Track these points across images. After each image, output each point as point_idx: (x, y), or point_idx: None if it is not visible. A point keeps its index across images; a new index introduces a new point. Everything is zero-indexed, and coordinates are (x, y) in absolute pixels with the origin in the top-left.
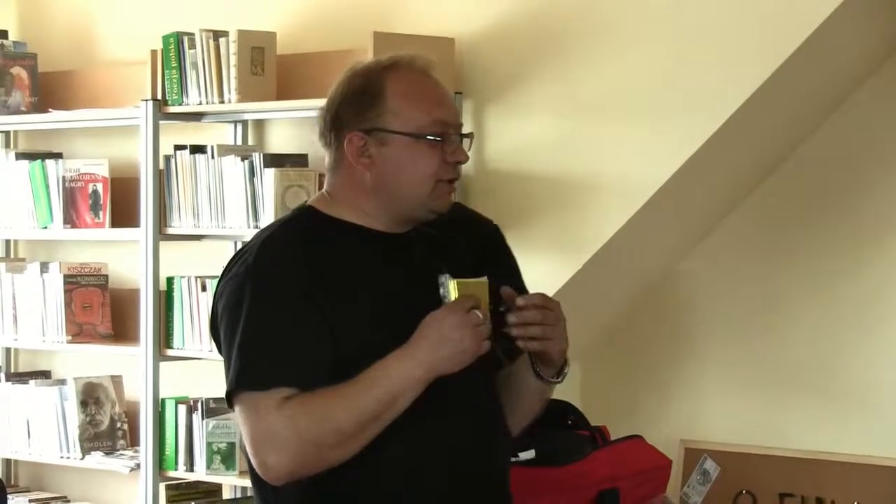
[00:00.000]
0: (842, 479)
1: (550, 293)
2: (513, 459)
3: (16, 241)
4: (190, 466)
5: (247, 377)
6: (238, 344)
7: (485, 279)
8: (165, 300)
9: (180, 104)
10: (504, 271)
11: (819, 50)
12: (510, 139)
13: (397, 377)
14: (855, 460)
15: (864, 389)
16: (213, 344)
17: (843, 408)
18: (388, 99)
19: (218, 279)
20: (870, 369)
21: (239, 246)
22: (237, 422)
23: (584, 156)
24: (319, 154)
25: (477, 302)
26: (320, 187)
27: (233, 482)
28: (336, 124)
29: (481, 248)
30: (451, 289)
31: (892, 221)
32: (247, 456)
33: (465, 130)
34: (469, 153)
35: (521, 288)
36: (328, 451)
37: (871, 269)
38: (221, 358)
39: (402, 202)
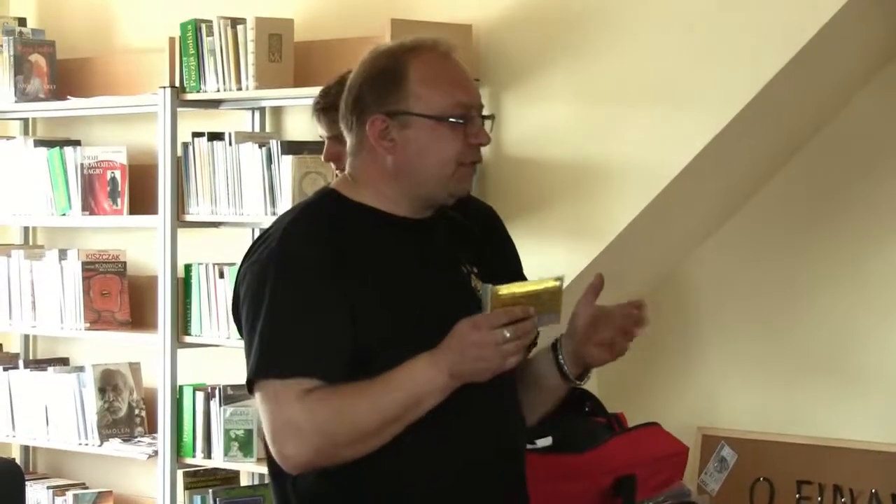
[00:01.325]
0: (860, 465)
1: (567, 281)
2: (529, 446)
3: (34, 228)
4: (208, 453)
5: (268, 364)
6: (260, 330)
7: (557, 284)
8: (183, 287)
9: (198, 91)
10: (509, 256)
11: (834, 39)
12: (528, 126)
13: (421, 382)
14: (873, 447)
15: (882, 375)
16: (235, 328)
17: (861, 394)
18: (410, 82)
19: (240, 263)
20: (887, 355)
21: (257, 233)
22: (257, 408)
23: (601, 143)
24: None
25: (512, 317)
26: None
27: (251, 469)
28: (358, 107)
29: (488, 235)
30: (489, 299)
31: None
32: (265, 443)
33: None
34: (490, 135)
35: (519, 273)
36: (345, 447)
37: (886, 255)
38: (240, 344)
39: (424, 185)
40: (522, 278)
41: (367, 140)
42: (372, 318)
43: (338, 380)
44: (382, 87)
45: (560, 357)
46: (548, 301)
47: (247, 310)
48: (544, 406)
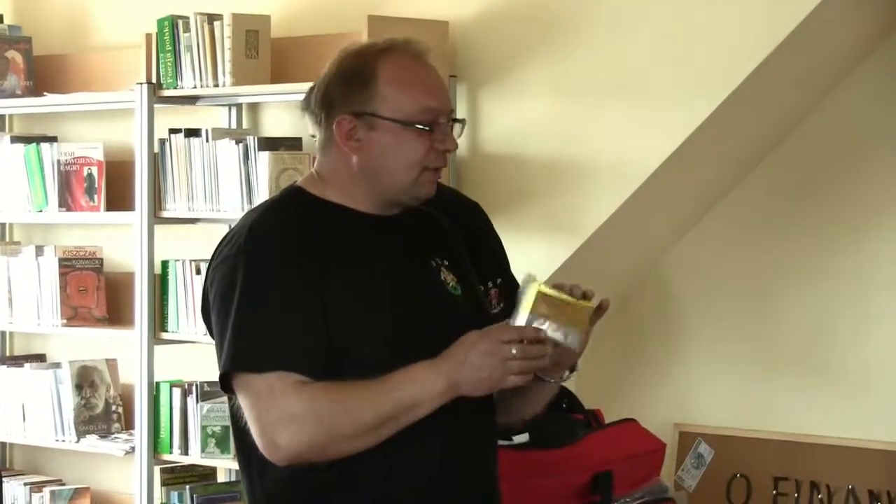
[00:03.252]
0: (836, 462)
1: (544, 277)
2: (507, 443)
3: (11, 225)
4: (185, 450)
5: (246, 358)
6: (232, 325)
7: (591, 305)
8: (160, 284)
9: (175, 87)
10: (493, 251)
11: (815, 31)
12: (504, 122)
13: (420, 385)
14: (849, 443)
15: (858, 372)
16: (206, 328)
17: (837, 391)
18: (379, 83)
19: (208, 264)
20: (863, 352)
21: None
22: (238, 402)
23: (578, 139)
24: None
25: (523, 335)
26: None
27: (227, 465)
28: (326, 105)
29: (473, 231)
30: (529, 296)
31: (884, 203)
32: (234, 440)
33: (459, 115)
34: (460, 139)
35: (505, 266)
36: (341, 441)
37: (863, 251)
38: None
39: (387, 187)
40: (507, 273)
41: (333, 139)
42: (340, 315)
43: (318, 373)
44: (351, 87)
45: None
46: (576, 317)
47: (217, 308)
48: (532, 408)
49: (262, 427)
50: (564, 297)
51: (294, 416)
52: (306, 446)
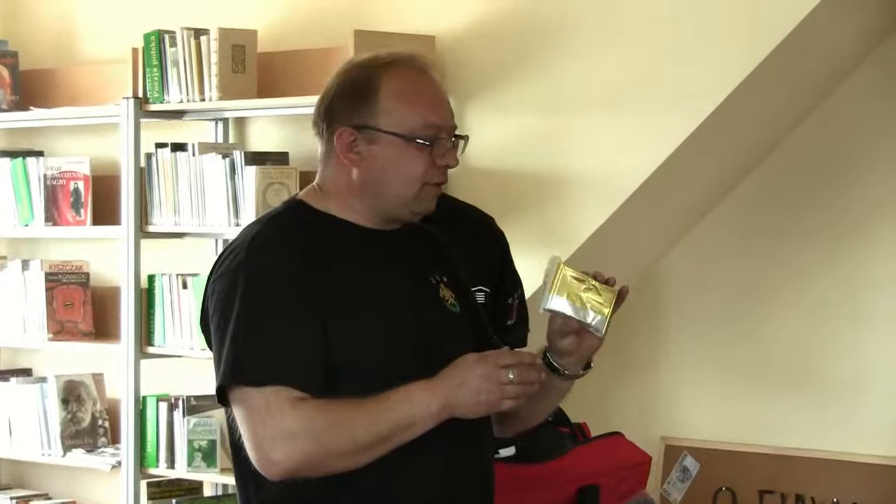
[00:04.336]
0: (822, 475)
1: (531, 290)
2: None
3: None
4: (171, 464)
5: (243, 371)
6: (230, 338)
7: (616, 290)
8: (146, 298)
9: (161, 102)
10: (512, 265)
11: (802, 45)
12: (491, 136)
13: (416, 405)
14: (835, 457)
15: (844, 386)
16: (199, 339)
17: (823, 404)
18: (381, 97)
19: (208, 276)
20: (849, 366)
21: (220, 244)
22: (233, 415)
23: (565, 152)
24: (300, 152)
25: (520, 360)
26: (302, 185)
27: (214, 479)
28: (328, 117)
29: (496, 258)
30: (557, 277)
31: (871, 216)
32: (233, 450)
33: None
34: (461, 156)
35: (520, 281)
36: (337, 458)
37: (850, 265)
38: (203, 355)
39: (386, 202)
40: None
41: (334, 151)
42: (339, 330)
43: (316, 389)
44: (353, 100)
45: (552, 361)
46: (602, 300)
47: (217, 321)
48: (546, 409)
49: (258, 442)
50: (590, 280)
51: (290, 433)
52: (301, 463)
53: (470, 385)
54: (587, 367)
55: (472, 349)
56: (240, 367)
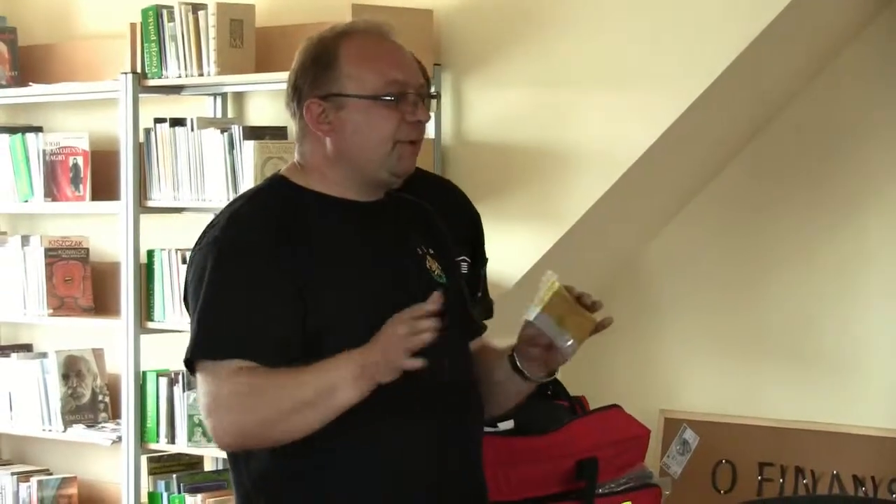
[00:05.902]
0: (821, 448)
1: (529, 265)
2: (492, 430)
3: None
4: (171, 439)
5: (203, 346)
6: (197, 312)
7: (593, 318)
8: (146, 273)
9: (159, 77)
10: (482, 253)
11: (797, 20)
12: (488, 110)
13: (335, 370)
14: (834, 429)
15: (843, 358)
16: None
17: (822, 377)
18: (342, 64)
19: (192, 249)
20: (846, 337)
21: None
22: (197, 389)
23: (562, 126)
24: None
25: (418, 314)
26: None
27: (214, 454)
28: (296, 94)
29: (471, 237)
30: (547, 293)
31: (867, 190)
32: None
33: (444, 102)
34: (445, 127)
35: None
36: (269, 426)
37: (846, 238)
38: None
39: (363, 165)
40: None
41: (307, 125)
42: (321, 302)
43: (275, 363)
44: (316, 71)
45: (518, 363)
46: (581, 327)
47: (191, 293)
48: (506, 403)
49: (205, 412)
50: (578, 306)
51: (225, 403)
52: (237, 433)
53: (376, 345)
54: (550, 374)
55: (458, 320)
56: (199, 342)
